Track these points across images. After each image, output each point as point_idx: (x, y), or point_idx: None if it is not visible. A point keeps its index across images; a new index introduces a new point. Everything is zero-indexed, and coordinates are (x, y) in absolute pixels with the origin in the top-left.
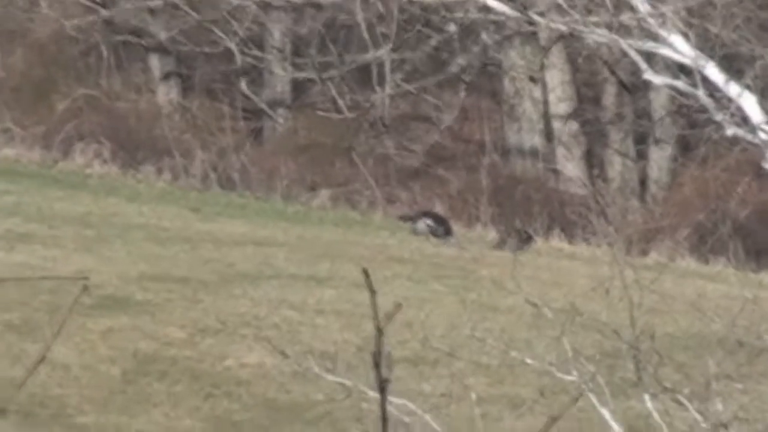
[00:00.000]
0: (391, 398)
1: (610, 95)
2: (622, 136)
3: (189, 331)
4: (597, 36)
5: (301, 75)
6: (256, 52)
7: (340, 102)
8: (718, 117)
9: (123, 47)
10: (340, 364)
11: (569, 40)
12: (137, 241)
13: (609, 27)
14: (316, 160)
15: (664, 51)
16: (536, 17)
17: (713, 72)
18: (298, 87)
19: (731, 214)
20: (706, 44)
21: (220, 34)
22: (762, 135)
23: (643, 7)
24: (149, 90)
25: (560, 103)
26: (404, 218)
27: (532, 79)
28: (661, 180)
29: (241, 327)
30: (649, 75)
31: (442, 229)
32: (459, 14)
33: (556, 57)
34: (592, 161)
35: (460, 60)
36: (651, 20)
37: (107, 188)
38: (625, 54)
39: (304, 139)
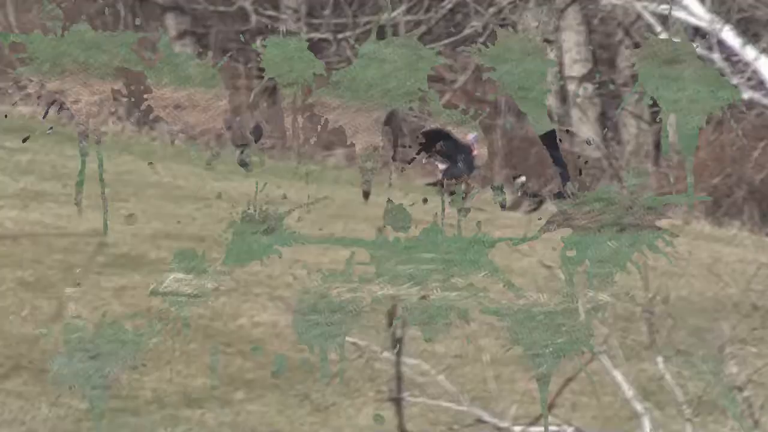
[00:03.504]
0: (404, 358)
1: (624, 57)
2: (636, 99)
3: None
4: None
5: (316, 35)
6: (270, 12)
7: (354, 62)
8: (734, 80)
9: (139, 6)
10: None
11: (585, 1)
12: (151, 199)
13: None
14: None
15: (680, 14)
16: None
17: (729, 35)
18: (313, 47)
19: (747, 179)
20: (722, 7)
21: None
22: None
23: None
24: None
25: (575, 64)
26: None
27: (546, 41)
28: (675, 143)
29: (254, 286)
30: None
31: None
32: None
33: (572, 19)
34: (606, 124)
35: (475, 22)
36: None
37: (122, 146)
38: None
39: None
